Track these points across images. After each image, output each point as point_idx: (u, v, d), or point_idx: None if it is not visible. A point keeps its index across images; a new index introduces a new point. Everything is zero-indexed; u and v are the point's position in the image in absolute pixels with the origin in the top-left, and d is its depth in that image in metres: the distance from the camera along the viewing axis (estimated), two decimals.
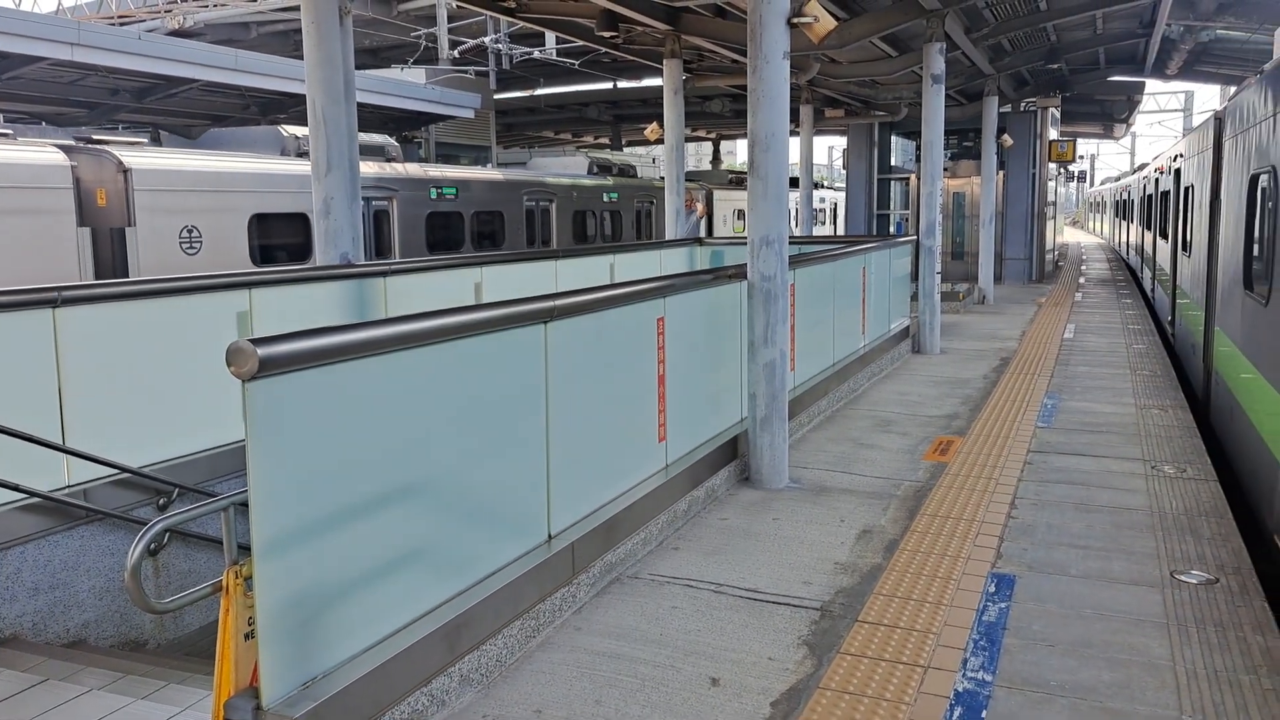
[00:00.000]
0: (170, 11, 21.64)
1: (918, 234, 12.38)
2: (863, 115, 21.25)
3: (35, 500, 4.93)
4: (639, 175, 23.89)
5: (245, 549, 2.81)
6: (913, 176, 21.12)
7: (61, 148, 10.58)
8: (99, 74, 14.83)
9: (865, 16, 12.19)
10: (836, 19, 11.48)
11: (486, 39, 23.17)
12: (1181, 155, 12.56)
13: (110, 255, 10.70)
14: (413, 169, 15.61)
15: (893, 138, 23.21)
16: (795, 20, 6.21)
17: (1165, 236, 14.70)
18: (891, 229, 23.05)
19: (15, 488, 4.78)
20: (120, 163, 10.79)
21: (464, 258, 11.84)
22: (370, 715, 3.09)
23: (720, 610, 4.38)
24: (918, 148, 16.43)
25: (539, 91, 30.17)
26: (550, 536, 4.32)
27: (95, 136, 11.85)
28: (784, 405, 6.32)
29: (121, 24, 21.51)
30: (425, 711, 3.37)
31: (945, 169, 16.53)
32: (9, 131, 11.02)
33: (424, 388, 3.51)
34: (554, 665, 3.85)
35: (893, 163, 23.35)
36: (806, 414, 7.92)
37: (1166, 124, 67.12)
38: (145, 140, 13.11)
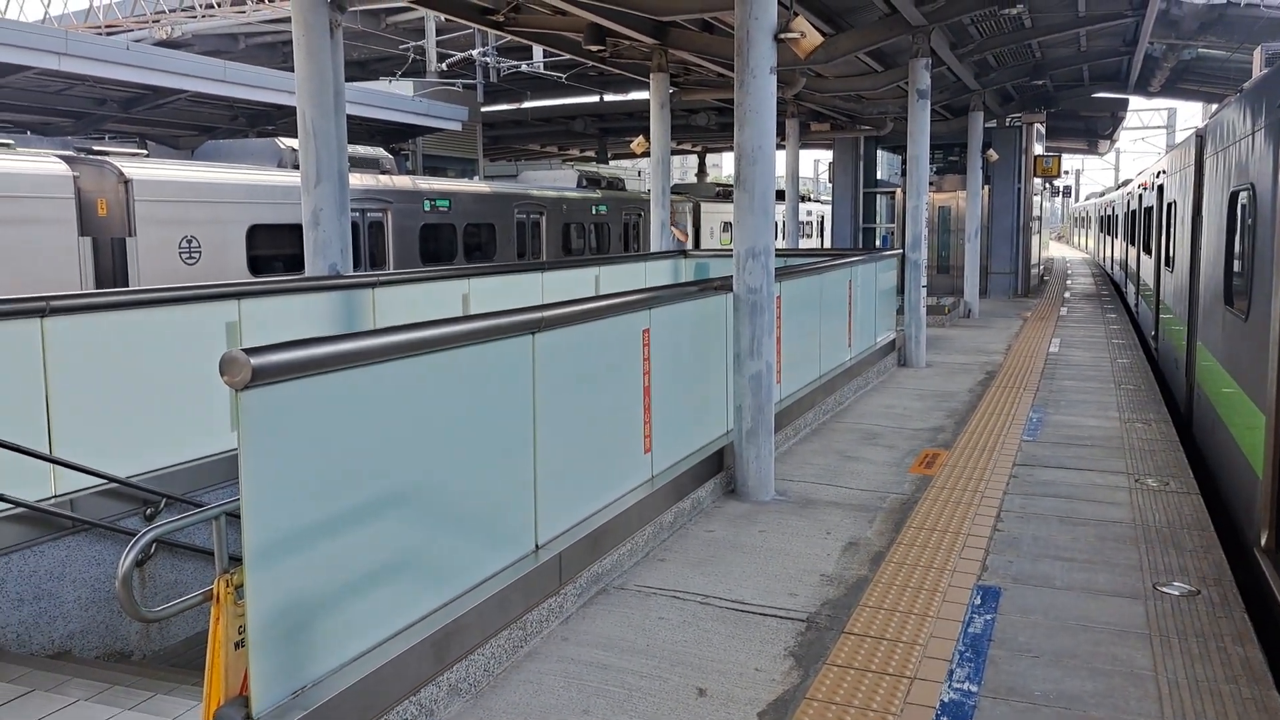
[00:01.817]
0: (158, 22, 21.63)
1: (903, 248, 12.46)
2: (849, 129, 21.40)
3: (21, 510, 4.91)
4: (627, 188, 23.96)
5: (235, 559, 2.82)
6: (898, 190, 21.25)
7: (63, 158, 10.59)
8: (86, 84, 14.80)
9: (851, 32, 12.30)
10: (823, 34, 11.60)
11: (474, 52, 23.24)
12: (1164, 172, 12.70)
13: (111, 265, 10.71)
14: (406, 181, 15.65)
15: (878, 152, 23.36)
16: (782, 36, 6.28)
17: (1149, 252, 14.84)
18: (877, 242, 23.18)
19: (1, 498, 4.76)
20: (121, 173, 10.80)
21: (451, 270, 11.86)
22: None
23: (707, 621, 4.40)
24: (903, 162, 16.57)
25: (526, 104, 30.25)
26: (538, 546, 4.33)
27: (96, 148, 11.86)
28: (770, 417, 6.36)
29: (109, 34, 21.48)
30: None
31: (931, 183, 16.62)
32: (10, 142, 11.01)
33: (413, 398, 3.53)
34: (542, 675, 3.87)
35: (879, 176, 23.49)
36: (793, 426, 7.96)
37: (1150, 140, 67.87)
38: (146, 152, 13.11)
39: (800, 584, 4.85)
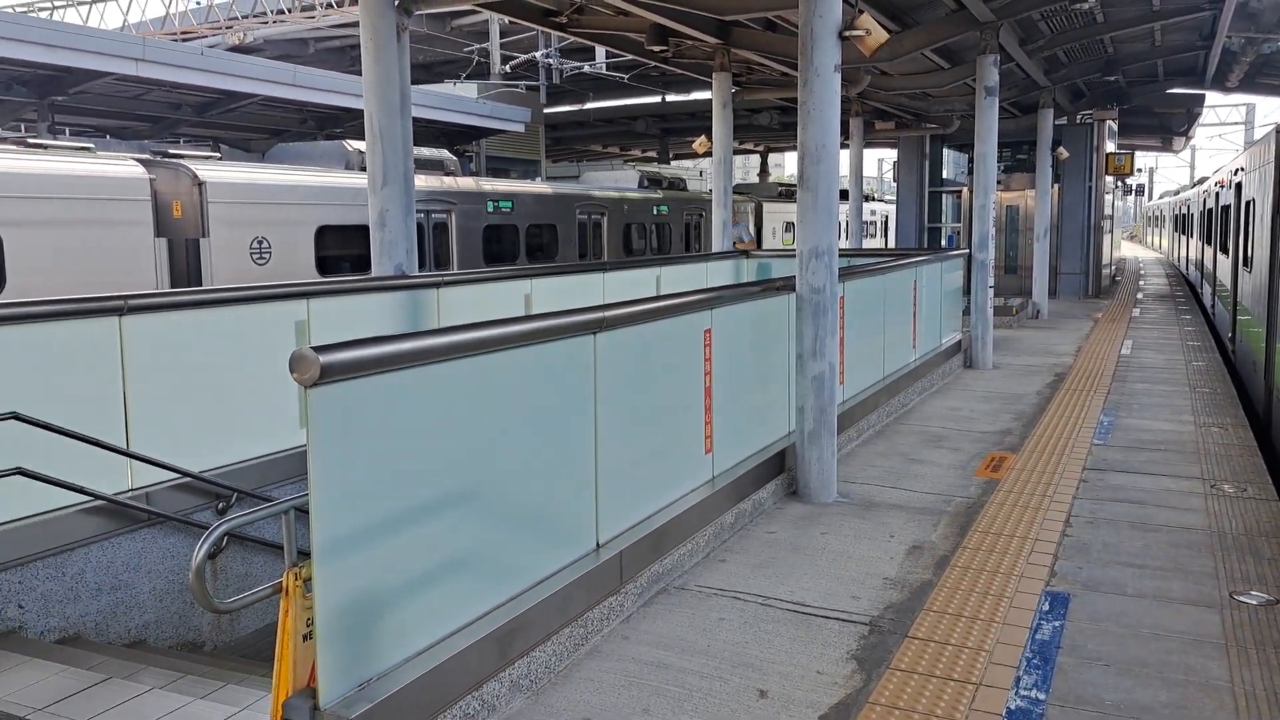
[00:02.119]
0: (231, 28, 22.17)
1: (970, 247, 12.25)
2: (914, 128, 21.11)
3: (100, 503, 5.07)
4: (688, 188, 23.94)
5: (304, 553, 2.88)
6: (965, 189, 20.90)
7: (140, 161, 10.92)
8: (163, 89, 15.24)
9: (918, 29, 12.13)
10: (888, 32, 11.44)
11: (537, 54, 23.41)
12: (1242, 169, 12.31)
13: (185, 265, 11.02)
14: (470, 183, 15.83)
15: (944, 150, 23.01)
16: (847, 34, 6.21)
17: (1225, 251, 14.40)
18: (943, 242, 22.84)
19: (81, 490, 4.92)
20: (195, 176, 11.11)
21: (514, 270, 11.97)
22: (423, 717, 3.14)
23: (768, 623, 4.37)
24: (970, 160, 16.28)
25: (588, 105, 30.40)
26: (599, 545, 4.35)
27: (171, 151, 12.22)
28: (833, 419, 6.30)
29: (184, 40, 22.07)
30: (476, 716, 3.41)
31: (999, 182, 16.32)
32: (90, 146, 11.40)
33: (476, 396, 3.56)
34: (602, 673, 3.88)
35: (944, 175, 23.13)
36: (855, 428, 7.87)
37: (1227, 136, 65.76)
38: (219, 155, 13.48)
39: (863, 587, 4.80)
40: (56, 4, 26.53)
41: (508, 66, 23.66)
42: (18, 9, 25.23)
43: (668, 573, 4.84)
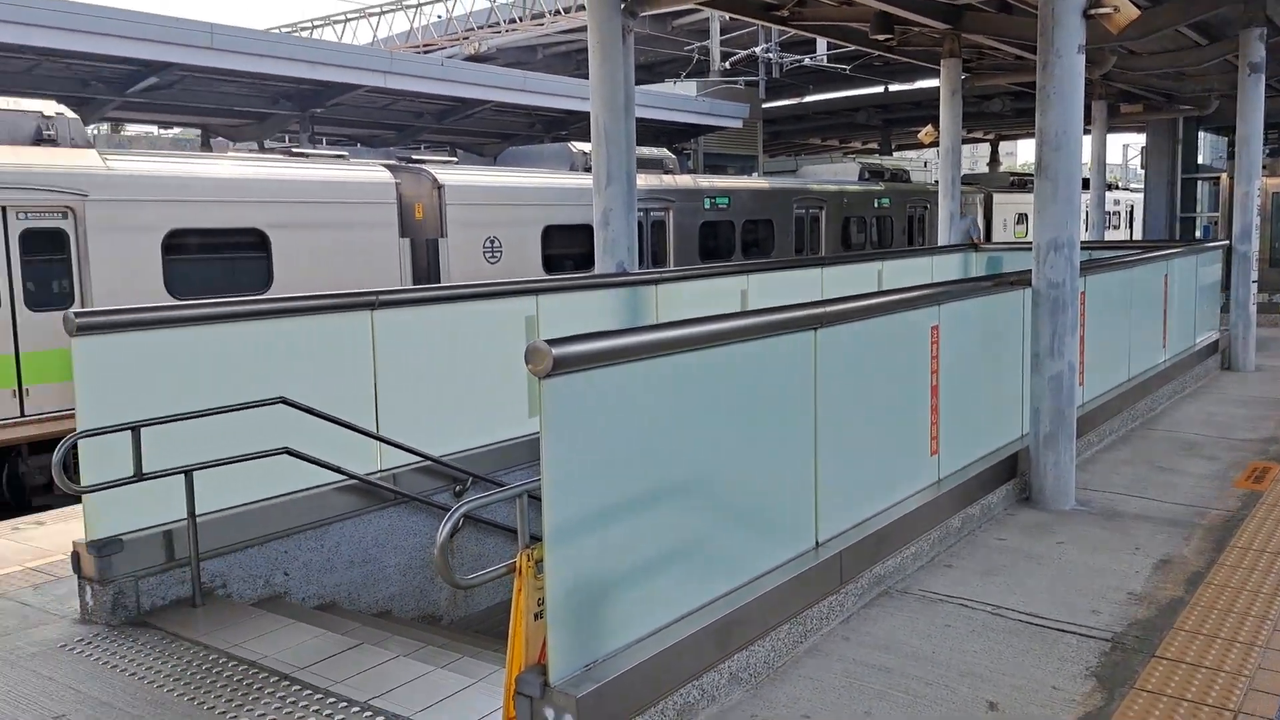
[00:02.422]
0: (467, 38, 23.47)
1: (1230, 239, 11.19)
2: (1165, 110, 19.49)
3: (354, 482, 5.51)
4: (911, 180, 23.20)
5: (534, 537, 3.01)
6: (1224, 175, 19.10)
7: (387, 166, 11.80)
8: (407, 98, 16.33)
9: (1171, 4, 11.18)
10: (1139, 7, 10.63)
11: (757, 49, 23.36)
12: None
13: (425, 263, 11.82)
14: (687, 180, 16.05)
15: (1200, 133, 21.13)
16: (1092, 11, 5.83)
17: None
18: (1197, 233, 21.00)
19: (338, 470, 5.36)
20: (435, 179, 11.89)
21: (730, 266, 12.03)
22: (645, 702, 3.22)
23: (997, 633, 4.18)
24: (1230, 144, 14.89)
25: (808, 99, 30.05)
26: (818, 544, 4.30)
27: (414, 156, 13.14)
28: (1072, 422, 5.93)
29: (426, 51, 23.57)
30: (695, 705, 3.46)
31: (1264, 167, 14.81)
32: (344, 154, 12.43)
33: (697, 391, 3.61)
34: (821, 672, 3.83)
35: (1199, 161, 21.25)
36: (1096, 432, 7.37)
37: None
38: (455, 159, 14.34)
39: (1104, 601, 4.49)
40: (316, 23, 28.97)
41: (727, 63, 23.75)
42: (282, 29, 27.78)
43: (889, 575, 4.71)
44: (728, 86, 23.46)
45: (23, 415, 8.46)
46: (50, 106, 9.25)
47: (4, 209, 8.34)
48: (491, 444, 6.41)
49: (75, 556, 4.61)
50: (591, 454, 3.10)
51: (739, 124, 22.82)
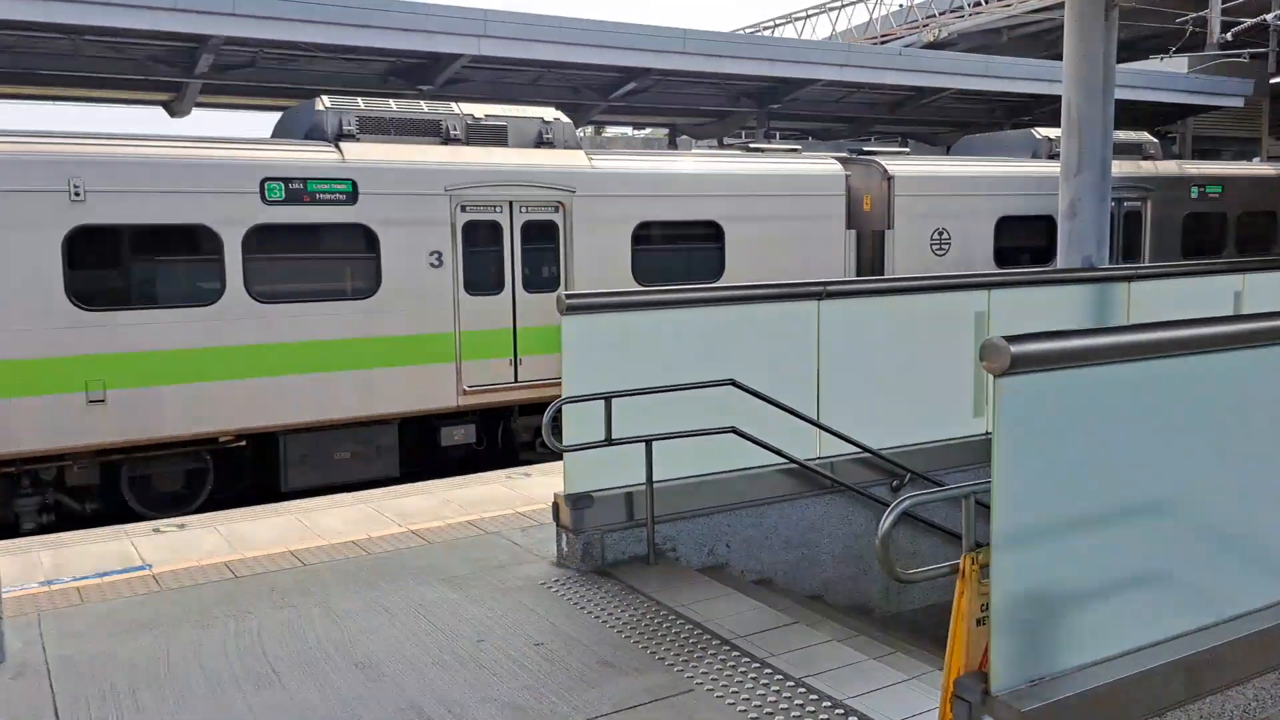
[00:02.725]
0: (926, 26, 22.95)
1: None
2: None
3: (792, 466, 5.69)
4: None
5: (978, 541, 2.91)
6: None
7: (838, 159, 12.00)
8: (861, 90, 16.35)
9: None
10: None
11: (1268, 16, 20.20)
12: None
13: (870, 255, 11.86)
14: (1170, 166, 14.44)
15: None
16: None
17: None
18: None
19: (779, 453, 5.57)
20: (885, 170, 11.86)
21: (1220, 263, 10.60)
22: None
23: None
24: None
25: None
26: None
27: (865, 149, 13.21)
28: None
29: (883, 42, 23.44)
30: None
31: None
32: (797, 147, 12.85)
33: (1174, 401, 3.25)
34: None
35: None
36: None
37: None
38: (907, 150, 14.18)
39: None
40: (777, 22, 30.01)
41: (1229, 34, 20.83)
42: (746, 29, 29.14)
43: None
44: (1228, 61, 20.59)
45: (516, 381, 9.80)
46: (549, 112, 10.55)
47: (511, 203, 9.68)
48: (929, 442, 6.27)
49: (555, 507, 5.29)
50: (1048, 460, 2.93)
51: (1239, 103, 19.95)
